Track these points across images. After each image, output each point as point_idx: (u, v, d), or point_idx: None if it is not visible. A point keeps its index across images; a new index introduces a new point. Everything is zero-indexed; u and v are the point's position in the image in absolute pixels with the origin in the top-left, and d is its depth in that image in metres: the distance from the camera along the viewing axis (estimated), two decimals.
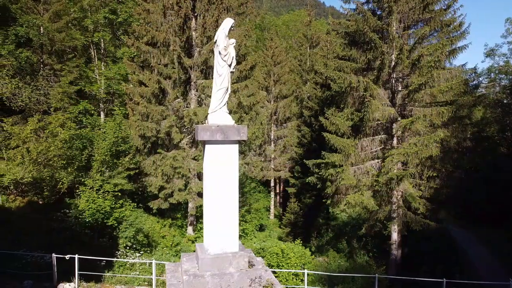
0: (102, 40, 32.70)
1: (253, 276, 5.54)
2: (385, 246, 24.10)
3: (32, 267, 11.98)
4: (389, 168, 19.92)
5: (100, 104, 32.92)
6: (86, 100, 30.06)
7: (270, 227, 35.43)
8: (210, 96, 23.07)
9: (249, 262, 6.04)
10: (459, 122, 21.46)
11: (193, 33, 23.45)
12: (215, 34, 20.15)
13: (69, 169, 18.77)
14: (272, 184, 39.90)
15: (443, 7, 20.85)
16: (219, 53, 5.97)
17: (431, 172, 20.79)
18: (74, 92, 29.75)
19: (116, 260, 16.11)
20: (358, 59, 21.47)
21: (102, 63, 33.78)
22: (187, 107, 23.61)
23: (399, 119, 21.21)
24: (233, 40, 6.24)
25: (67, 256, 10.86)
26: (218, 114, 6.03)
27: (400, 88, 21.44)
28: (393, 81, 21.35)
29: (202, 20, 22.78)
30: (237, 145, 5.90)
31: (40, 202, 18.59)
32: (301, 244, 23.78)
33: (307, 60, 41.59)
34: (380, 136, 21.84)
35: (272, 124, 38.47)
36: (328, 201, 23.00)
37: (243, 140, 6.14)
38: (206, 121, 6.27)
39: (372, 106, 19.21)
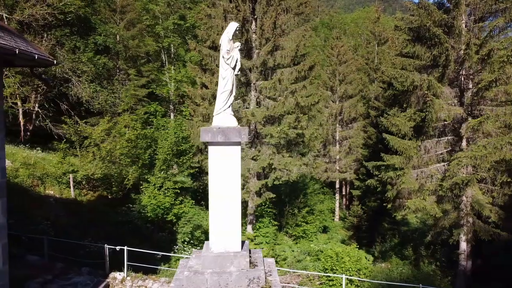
0: (172, 45, 34.51)
1: (251, 277, 5.60)
2: (454, 256, 22.50)
3: (93, 255, 13.09)
4: (454, 172, 18.55)
5: (170, 106, 34.79)
6: (156, 102, 31.99)
7: (333, 229, 34.74)
8: (269, 97, 23.47)
9: (251, 262, 6.12)
10: None
11: (253, 35, 23.86)
12: (272, 36, 20.32)
13: (134, 167, 20.16)
14: (337, 185, 39.06)
15: None
16: (222, 56, 6.11)
17: (506, 177, 18.96)
18: (145, 95, 31.90)
19: (173, 255, 16.97)
20: (422, 56, 20.26)
21: (172, 66, 35.62)
22: (246, 108, 24.08)
23: (469, 119, 19.68)
24: (237, 44, 6.33)
25: (118, 248, 11.74)
26: (222, 116, 6.20)
27: (470, 86, 19.88)
28: (462, 79, 19.84)
29: (260, 22, 23.11)
30: (238, 147, 6.02)
31: (109, 197, 20.19)
32: (357, 248, 23.04)
33: (375, 58, 40.09)
34: (446, 137, 20.43)
35: (337, 125, 37.67)
36: (389, 205, 22.00)
37: (244, 141, 6.21)
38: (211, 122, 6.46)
39: (435, 105, 18.03)
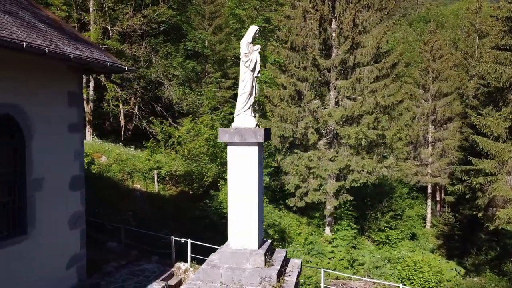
0: None
1: (264, 275, 5.61)
2: None
3: (166, 246, 14.14)
4: None
5: (255, 106, 35.77)
6: None
7: (422, 237, 32.49)
8: (347, 97, 22.94)
9: (269, 261, 6.13)
10: None
11: (333, 34, 23.49)
12: (351, 34, 19.84)
13: (212, 165, 21.25)
14: (429, 190, 36.35)
15: None
16: (242, 59, 6.25)
17: None
18: (231, 96, 33.26)
19: None
20: None
21: None
22: (325, 108, 23.79)
23: None
24: (258, 46, 6.40)
25: (182, 240, 12.56)
26: (241, 117, 6.33)
27: None
28: None
29: (338, 21, 22.69)
30: (255, 147, 6.09)
31: (190, 192, 21.52)
32: (447, 259, 21.26)
33: (475, 52, 36.40)
34: None
35: (429, 125, 35.10)
36: (480, 214, 19.98)
37: (260, 142, 6.26)
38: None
39: None
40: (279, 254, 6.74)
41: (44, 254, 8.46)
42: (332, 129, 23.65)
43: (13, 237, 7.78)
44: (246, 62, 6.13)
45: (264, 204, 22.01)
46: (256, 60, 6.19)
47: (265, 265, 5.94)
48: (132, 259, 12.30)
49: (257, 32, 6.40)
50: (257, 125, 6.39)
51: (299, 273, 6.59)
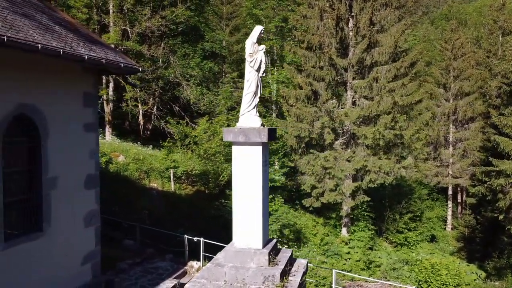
0: (274, 48, 35.38)
1: (267, 274, 5.62)
2: None
3: (180, 245, 14.31)
4: None
5: (273, 106, 35.74)
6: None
7: (442, 239, 31.85)
8: (364, 97, 22.71)
9: (273, 261, 6.14)
10: None
11: (350, 33, 23.27)
12: (369, 33, 19.65)
13: (228, 165, 21.34)
14: (449, 192, 35.57)
15: None
16: (246, 59, 6.28)
17: None
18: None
19: None
20: None
21: (275, 68, 36.49)
22: (342, 108, 23.59)
23: None
24: (262, 46, 6.42)
25: (195, 239, 12.70)
26: (246, 116, 6.38)
27: None
28: None
29: (355, 20, 22.48)
30: (260, 147, 6.10)
31: (206, 192, 21.68)
32: (468, 262, 20.75)
33: (498, 50, 35.41)
34: None
35: (450, 125, 34.36)
36: (501, 217, 19.46)
37: (265, 142, 6.26)
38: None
39: None
40: (284, 254, 6.75)
41: (59, 251, 8.65)
42: (348, 129, 23.44)
43: (29, 234, 7.99)
44: (251, 62, 6.17)
45: (280, 204, 22.06)
46: (261, 60, 6.23)
47: (269, 264, 5.97)
48: (146, 256, 12.49)
49: (262, 32, 6.43)
50: (262, 124, 6.43)
51: (305, 273, 6.59)
